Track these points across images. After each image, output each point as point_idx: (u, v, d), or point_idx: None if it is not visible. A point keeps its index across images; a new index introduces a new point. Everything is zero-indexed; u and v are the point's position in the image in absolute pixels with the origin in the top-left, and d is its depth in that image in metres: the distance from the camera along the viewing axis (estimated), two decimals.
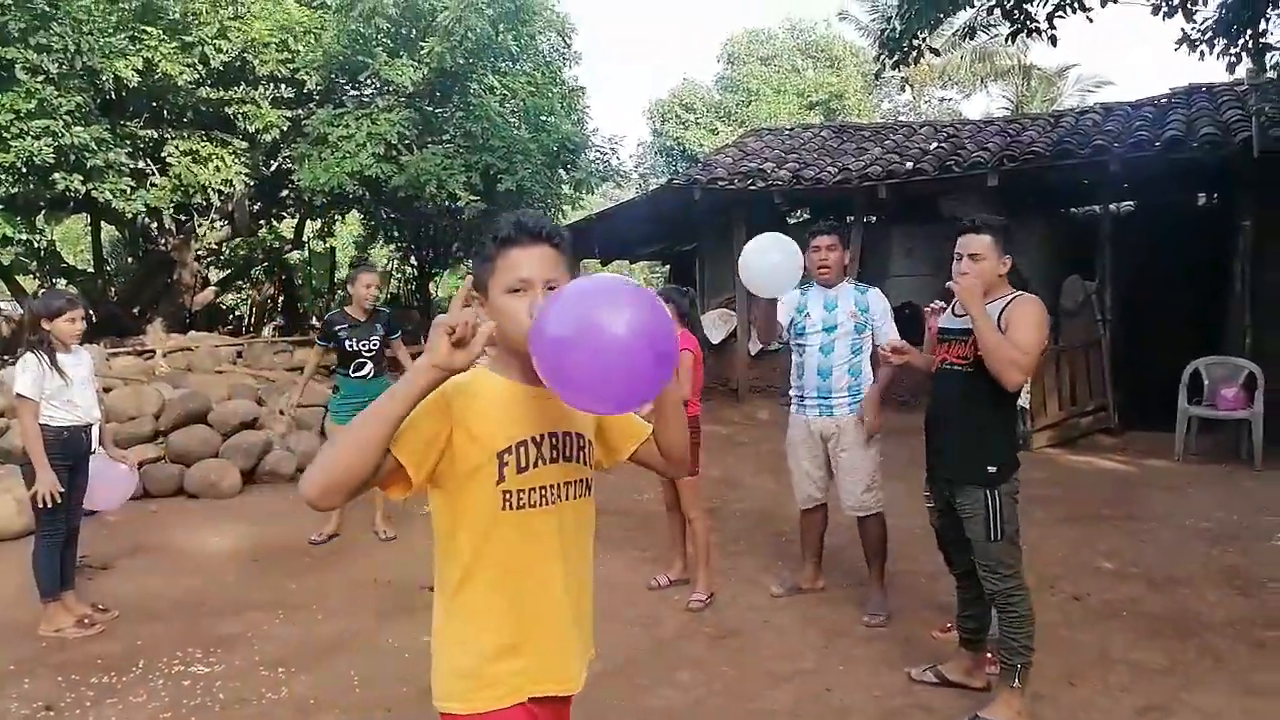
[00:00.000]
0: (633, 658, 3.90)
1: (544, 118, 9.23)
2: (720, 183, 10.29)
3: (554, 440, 1.65)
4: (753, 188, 10.09)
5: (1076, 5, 6.50)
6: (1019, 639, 3.16)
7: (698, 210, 11.40)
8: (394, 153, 8.56)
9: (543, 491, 1.61)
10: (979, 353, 3.15)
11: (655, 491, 7.00)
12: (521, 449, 1.59)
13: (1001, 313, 3.16)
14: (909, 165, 9.45)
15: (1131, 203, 10.94)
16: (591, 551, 1.79)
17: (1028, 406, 8.78)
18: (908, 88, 34.52)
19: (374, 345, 5.67)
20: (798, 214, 12.65)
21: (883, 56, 7.03)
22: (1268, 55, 6.64)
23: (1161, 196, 10.18)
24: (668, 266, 16.18)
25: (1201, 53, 6.68)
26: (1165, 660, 3.77)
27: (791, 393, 4.61)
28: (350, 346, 5.63)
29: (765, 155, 11.15)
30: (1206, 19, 6.69)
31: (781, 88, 30.48)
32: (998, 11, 7.13)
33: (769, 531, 5.84)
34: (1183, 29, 6.72)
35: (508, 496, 1.58)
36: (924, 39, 7.12)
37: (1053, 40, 6.72)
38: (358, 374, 5.65)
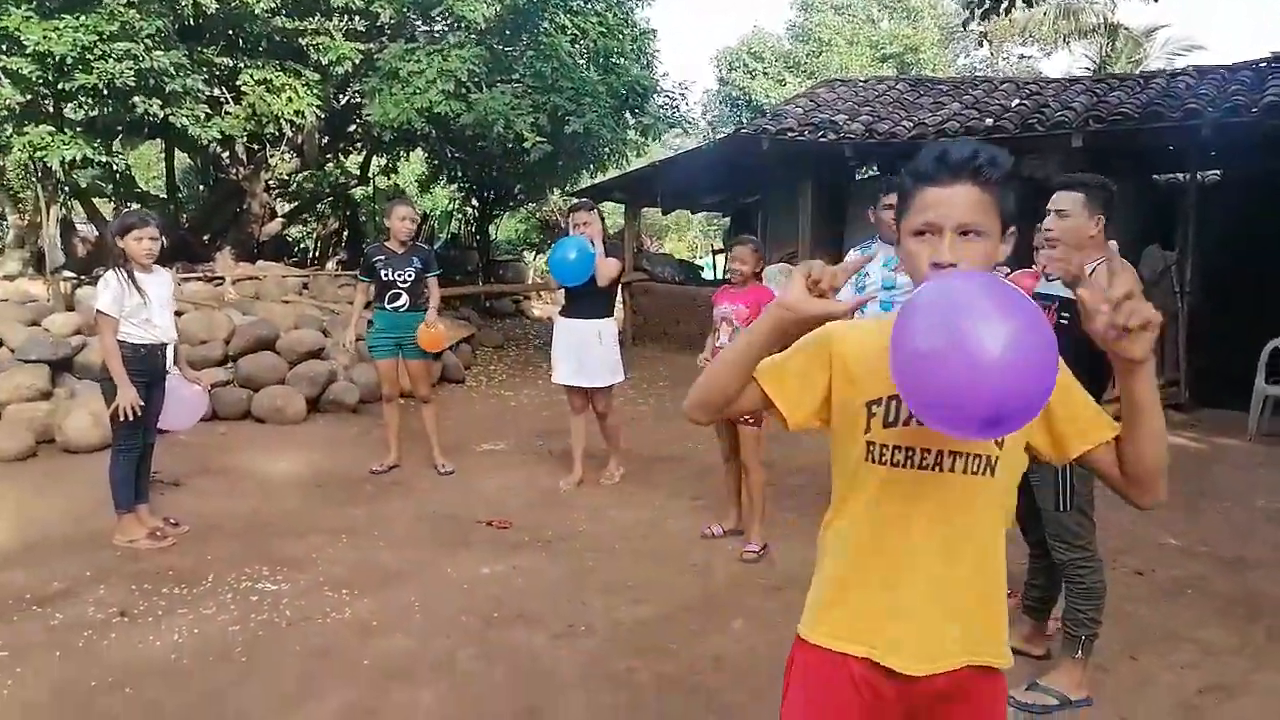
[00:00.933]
0: (685, 603, 3.93)
1: (614, 60, 9.08)
2: (790, 133, 10.06)
3: None
4: (823, 139, 9.85)
5: None
6: (1085, 611, 3.09)
7: (764, 161, 11.19)
8: (463, 90, 8.51)
9: (910, 453, 1.48)
10: (1061, 319, 3.05)
11: (711, 442, 7.02)
12: (893, 402, 1.48)
13: (1090, 275, 3.04)
14: (988, 122, 9.12)
15: (1218, 172, 10.46)
16: (991, 542, 1.51)
17: None
18: (985, 43, 33.44)
19: (409, 277, 5.70)
20: (864, 170, 12.37)
21: (971, 4, 6.72)
22: None
23: (1254, 165, 9.70)
24: (729, 218, 16.01)
25: None
26: (1234, 640, 3.66)
27: None
28: (385, 276, 5.69)
29: (837, 107, 10.87)
30: None
31: (855, 38, 29.62)
32: None
33: (823, 489, 5.77)
34: None
35: (871, 448, 1.50)
36: None
37: None
38: (392, 304, 5.71)
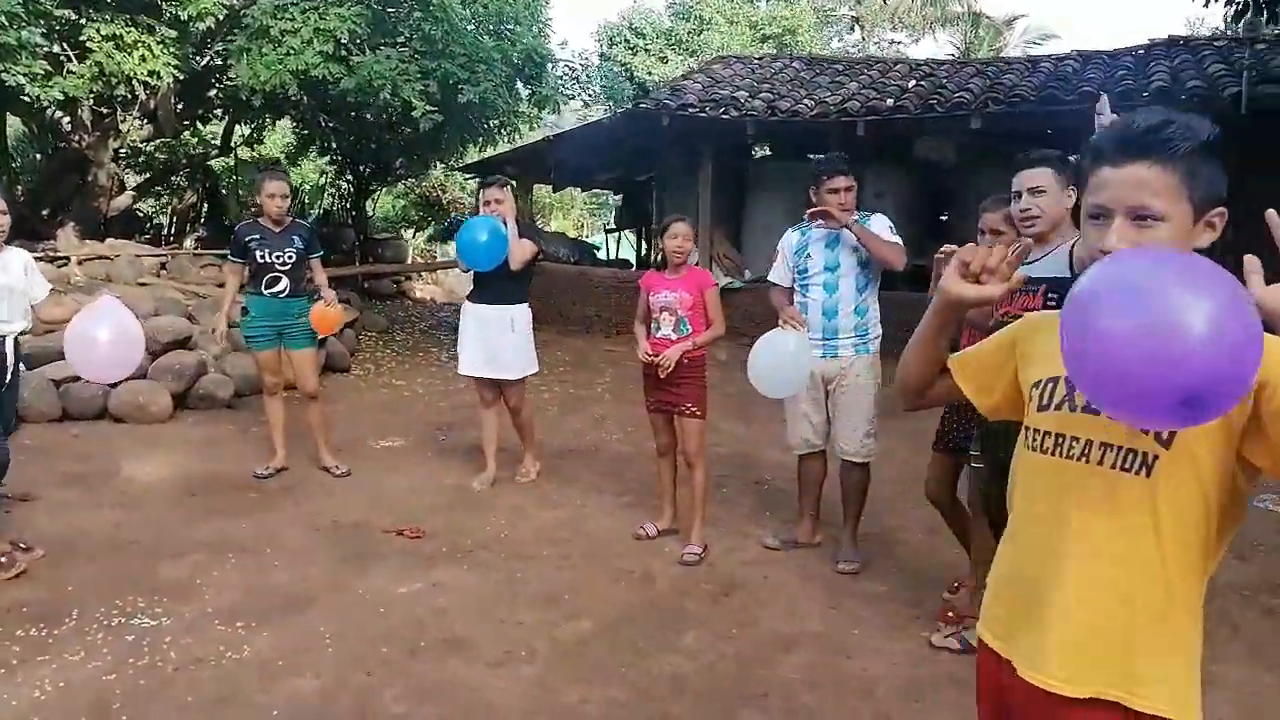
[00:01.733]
0: (629, 615, 3.60)
1: (508, 26, 8.55)
2: (691, 109, 9.79)
3: None
4: (725, 116, 9.63)
5: None
6: None
7: (660, 138, 10.89)
8: (343, 53, 7.81)
9: (1060, 440, 1.39)
10: (1049, 303, 2.86)
11: (626, 431, 6.71)
12: (1051, 385, 1.42)
13: (1072, 256, 2.86)
14: (889, 102, 9.10)
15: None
16: (1146, 559, 1.31)
17: None
18: (857, 27, 34.31)
19: (289, 258, 5.09)
20: (760, 150, 12.26)
21: None
22: (1263, 9, 6.45)
23: None
24: (620, 196, 15.67)
25: (1207, 1, 6.46)
26: None
27: None
28: (262, 258, 5.05)
29: (736, 84, 10.67)
30: None
31: (735, 18, 29.64)
32: None
33: (748, 479, 5.57)
34: None
35: (1028, 433, 1.45)
36: None
37: None
38: (271, 289, 5.08)
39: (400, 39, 8.42)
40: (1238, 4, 6.43)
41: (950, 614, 3.56)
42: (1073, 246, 2.87)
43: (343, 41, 7.68)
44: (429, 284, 19.26)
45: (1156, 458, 1.30)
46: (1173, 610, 1.32)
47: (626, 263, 15.03)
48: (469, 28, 8.17)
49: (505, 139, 10.74)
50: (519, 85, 9.44)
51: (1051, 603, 1.38)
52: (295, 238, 5.16)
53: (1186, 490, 1.29)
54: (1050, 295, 2.88)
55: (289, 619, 3.45)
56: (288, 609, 3.53)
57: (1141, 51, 9.86)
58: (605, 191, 17.57)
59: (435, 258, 21.79)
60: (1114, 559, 1.34)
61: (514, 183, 5.13)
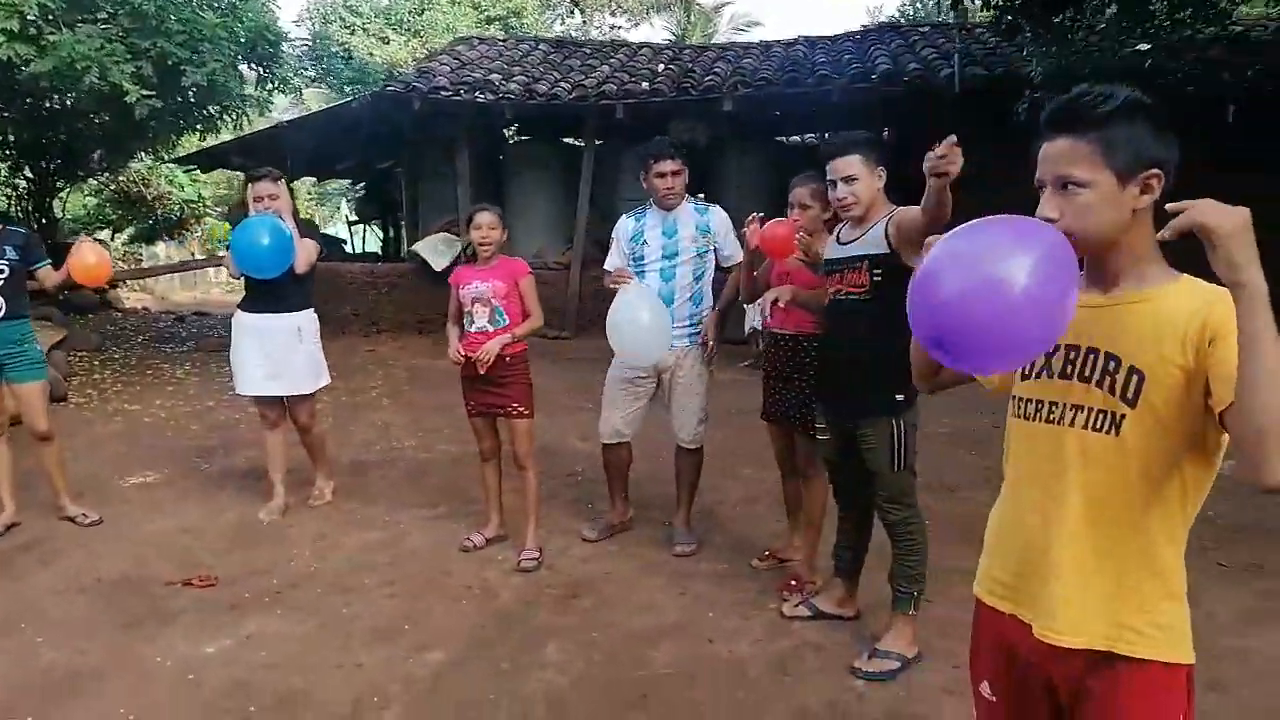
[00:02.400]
0: (480, 637, 3.36)
1: (239, 1, 7.66)
2: (444, 93, 9.36)
3: (1070, 354, 1.44)
4: (481, 99, 9.30)
5: None
6: (915, 567, 3.09)
7: (406, 123, 10.36)
8: (33, 31, 6.64)
9: (1039, 406, 1.48)
10: (875, 276, 2.97)
11: (417, 436, 6.31)
12: None
13: (887, 229, 2.96)
14: (644, 85, 9.22)
15: (815, 135, 11.67)
16: (1128, 515, 1.40)
17: (760, 328, 9.16)
18: (577, 11, 34.77)
19: (1, 274, 4.27)
20: (513, 133, 12.02)
21: None
22: None
23: (848, 127, 10.98)
24: (362, 185, 14.75)
25: None
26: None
27: None
28: None
29: (487, 66, 10.35)
30: None
31: None
32: None
33: (560, 473, 5.43)
34: None
35: (1014, 401, 1.54)
36: None
37: None
38: None
39: (103, 15, 7.29)
40: None
41: (793, 582, 3.66)
42: (887, 223, 2.97)
43: (30, 18, 6.52)
44: (135, 291, 17.18)
45: (1124, 416, 1.38)
46: (1156, 560, 1.40)
47: (375, 255, 14.22)
48: (189, 2, 7.23)
49: (230, 126, 9.69)
50: (247, 66, 8.51)
51: (1045, 560, 1.45)
52: (6, 247, 4.30)
53: (1155, 445, 1.36)
54: (875, 270, 2.99)
55: (76, 705, 2.86)
56: (72, 693, 2.93)
57: (859, 37, 10.72)
58: (340, 181, 16.46)
59: (140, 261, 19.45)
60: (1094, 516, 1.42)
61: (279, 174, 4.54)
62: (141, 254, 17.41)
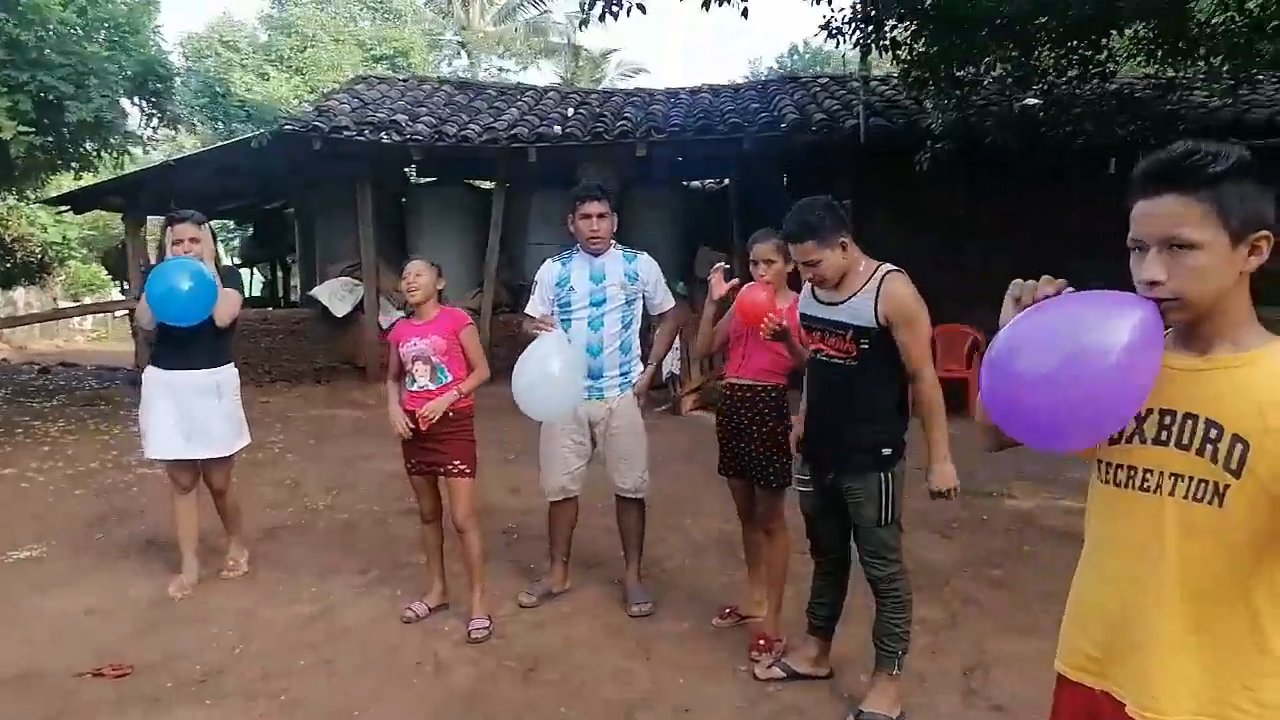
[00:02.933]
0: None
1: (125, 33, 7.16)
2: (347, 132, 9.03)
3: (1165, 419, 1.37)
4: (387, 140, 9.02)
5: None
6: (900, 625, 3.04)
7: (299, 163, 9.96)
8: None
9: (1132, 473, 1.42)
10: (863, 346, 2.91)
11: (330, 494, 5.93)
12: None
13: (876, 302, 2.88)
14: (557, 129, 9.15)
15: (717, 180, 11.84)
16: (1229, 589, 1.34)
17: (677, 372, 9.14)
18: (464, 53, 34.67)
19: None
20: (410, 173, 11.71)
21: (588, 1, 6.52)
22: (884, 50, 7.51)
23: (754, 174, 11.18)
24: (249, 226, 14.08)
25: (838, 40, 7.34)
26: (943, 613, 3.97)
27: None
28: None
29: (391, 106, 10.07)
30: (843, 10, 7.37)
31: (340, 35, 28.33)
32: None
33: (493, 530, 5.18)
34: (826, 16, 7.31)
35: (1099, 466, 1.48)
36: None
37: (745, 13, 6.80)
38: None
39: None
40: (863, 46, 7.39)
41: (761, 641, 3.56)
42: (877, 296, 2.88)
43: None
44: None
45: (1228, 487, 1.31)
46: (1261, 635, 1.34)
47: (262, 300, 13.56)
48: (73, 33, 6.73)
49: (111, 164, 9.07)
50: (133, 102, 7.99)
51: (1139, 634, 1.40)
52: None
53: (1260, 517, 1.30)
54: (862, 340, 2.93)
55: None
56: None
57: (761, 87, 10.98)
58: (224, 221, 15.68)
59: None
60: (1194, 589, 1.36)
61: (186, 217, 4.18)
62: None
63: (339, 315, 9.66)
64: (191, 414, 4.09)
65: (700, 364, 9.08)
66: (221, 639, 3.72)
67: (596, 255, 4.01)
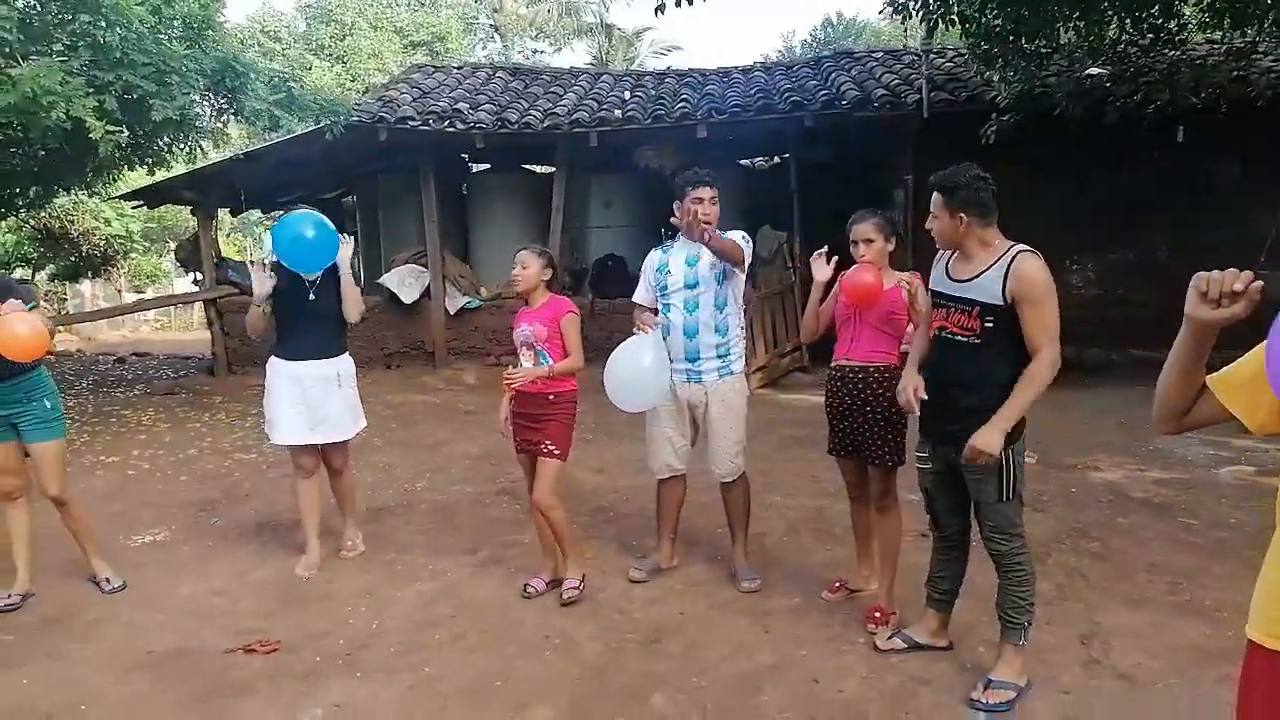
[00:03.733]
0: (581, 691, 3.24)
1: (203, 30, 7.33)
2: (412, 122, 9.17)
3: None
4: (450, 129, 9.15)
5: None
6: (1025, 597, 3.12)
7: (360, 153, 10.14)
8: None
9: None
10: (987, 324, 2.98)
11: (425, 477, 6.11)
12: None
13: (1005, 280, 2.93)
14: (617, 113, 9.22)
15: (777, 157, 11.83)
16: None
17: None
18: (498, 35, 34.71)
19: None
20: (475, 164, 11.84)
21: None
22: (951, 25, 7.49)
23: (813, 151, 11.16)
24: None
25: (905, 16, 7.32)
26: (1049, 585, 4.03)
27: None
28: None
29: (452, 95, 10.19)
30: None
31: (378, 23, 28.53)
32: None
33: (588, 509, 5.34)
34: None
35: None
36: None
37: None
38: None
39: (58, 46, 6.92)
40: (930, 21, 7.37)
41: (878, 614, 3.66)
42: (1006, 274, 2.96)
43: None
44: (60, 331, 16.26)
45: None
46: None
47: None
48: (152, 33, 6.90)
49: (183, 159, 9.30)
50: (212, 99, 8.17)
51: None
52: None
53: None
54: (987, 318, 3.00)
55: None
56: None
57: (815, 63, 10.94)
58: (254, 212, 15.86)
59: (65, 299, 18.49)
60: None
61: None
62: (67, 292, 16.49)
63: (407, 302, 9.85)
64: (315, 401, 4.28)
65: (765, 341, 9.16)
66: (356, 616, 3.90)
67: (690, 238, 4.10)
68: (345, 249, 4.31)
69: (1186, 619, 3.65)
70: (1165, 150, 8.47)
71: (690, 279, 4.08)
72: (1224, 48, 8.54)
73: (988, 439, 2.90)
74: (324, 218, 4.18)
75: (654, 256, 4.23)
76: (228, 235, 21.42)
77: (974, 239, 3.06)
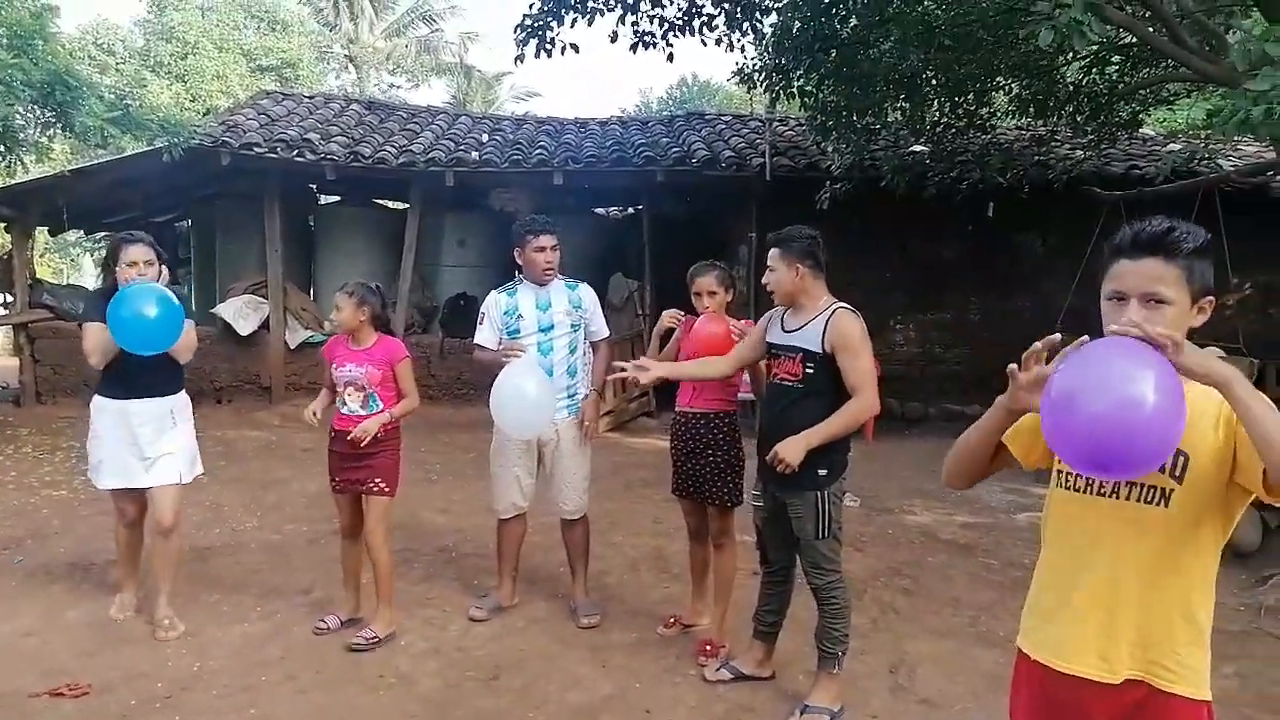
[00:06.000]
0: None
1: (31, 40, 6.87)
2: (259, 149, 8.91)
3: None
4: (299, 159, 8.95)
5: (690, 29, 7.16)
6: (840, 628, 3.37)
7: (202, 178, 9.77)
8: None
9: (1091, 481, 1.70)
10: (808, 369, 3.26)
11: (257, 516, 5.88)
12: None
13: (825, 332, 3.23)
14: (474, 155, 9.29)
15: (631, 209, 12.23)
16: (1168, 573, 1.66)
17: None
18: (352, 66, 34.09)
19: None
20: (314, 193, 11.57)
21: (521, 38, 6.76)
22: (791, 98, 8.07)
23: (661, 205, 11.59)
24: None
25: (750, 86, 7.82)
26: (864, 619, 4.34)
27: None
28: None
29: (302, 125, 9.97)
30: (754, 59, 7.88)
31: (224, 44, 27.47)
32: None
33: (430, 549, 5.31)
34: (739, 64, 7.82)
35: (1061, 476, 1.77)
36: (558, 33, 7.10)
37: (670, 57, 7.19)
38: None
39: None
40: (773, 92, 7.91)
41: (709, 646, 3.84)
42: (826, 327, 3.24)
43: None
44: None
45: (1172, 491, 1.65)
46: (1193, 611, 1.68)
47: None
48: None
49: (1, 172, 8.67)
50: (40, 112, 7.67)
51: (1096, 614, 1.69)
52: None
53: (1195, 515, 1.65)
54: (808, 364, 3.28)
55: None
56: None
57: (669, 121, 11.43)
58: (74, 232, 14.86)
59: None
60: (1142, 575, 1.67)
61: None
62: None
63: (244, 334, 9.47)
64: (144, 442, 3.96)
65: (613, 387, 9.35)
66: (177, 658, 3.73)
67: (543, 285, 4.24)
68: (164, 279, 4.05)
69: (983, 648, 4.02)
70: (977, 223, 9.33)
71: (544, 323, 4.20)
72: (1028, 135, 9.55)
73: (790, 447, 3.16)
74: (167, 293, 3.79)
75: (498, 299, 4.28)
76: (41, 255, 19.78)
77: (806, 291, 3.34)
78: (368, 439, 3.81)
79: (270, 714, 3.30)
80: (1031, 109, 8.71)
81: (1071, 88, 8.52)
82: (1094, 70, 8.31)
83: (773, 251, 3.37)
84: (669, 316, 4.02)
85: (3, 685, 3.42)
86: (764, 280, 3.42)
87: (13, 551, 5.04)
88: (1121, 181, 8.91)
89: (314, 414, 3.98)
